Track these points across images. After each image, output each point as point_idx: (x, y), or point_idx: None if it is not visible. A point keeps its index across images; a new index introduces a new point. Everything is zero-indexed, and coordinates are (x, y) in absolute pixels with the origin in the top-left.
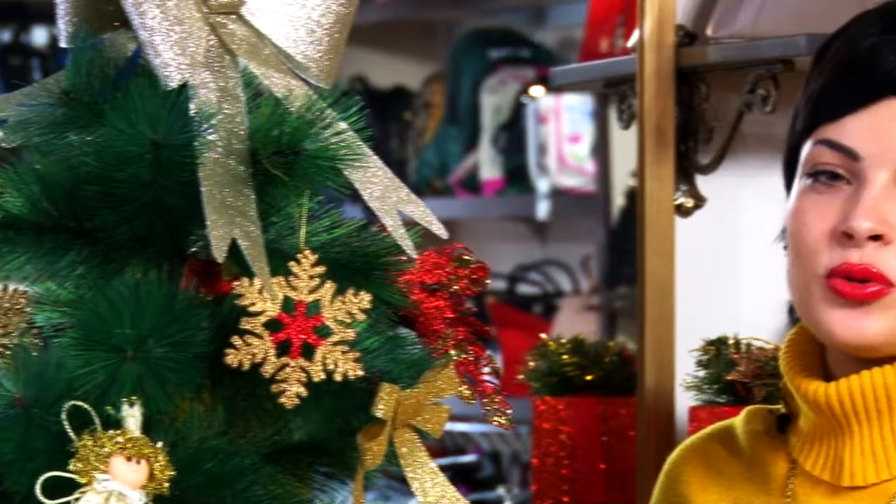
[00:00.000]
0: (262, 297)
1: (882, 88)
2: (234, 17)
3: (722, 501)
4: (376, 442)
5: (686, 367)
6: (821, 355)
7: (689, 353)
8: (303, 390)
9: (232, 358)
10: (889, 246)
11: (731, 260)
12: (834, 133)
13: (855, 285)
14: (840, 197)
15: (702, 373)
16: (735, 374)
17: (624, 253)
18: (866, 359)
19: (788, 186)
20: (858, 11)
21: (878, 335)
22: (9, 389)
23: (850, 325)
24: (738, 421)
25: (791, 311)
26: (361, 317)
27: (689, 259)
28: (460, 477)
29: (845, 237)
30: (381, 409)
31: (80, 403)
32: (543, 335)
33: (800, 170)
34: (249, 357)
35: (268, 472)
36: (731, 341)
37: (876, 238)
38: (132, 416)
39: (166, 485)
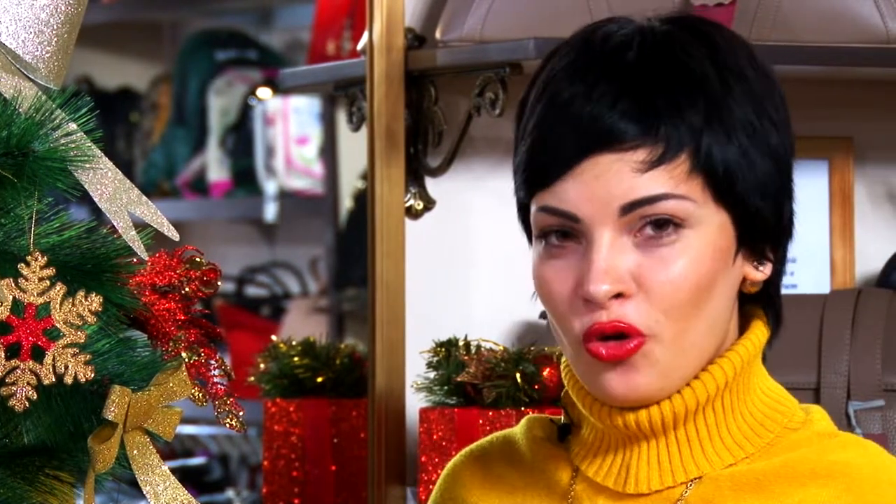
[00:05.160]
0: None
1: (583, 149)
2: None
3: None
4: (107, 445)
5: (416, 368)
6: None
7: (419, 354)
8: (33, 393)
9: None
10: (630, 299)
11: (461, 262)
12: (550, 199)
13: (612, 345)
14: (575, 258)
15: (432, 374)
16: (465, 375)
17: (352, 255)
18: None
19: (528, 237)
20: (585, 15)
21: (647, 386)
22: None
23: (619, 384)
24: (518, 429)
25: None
26: (92, 319)
27: (418, 261)
28: (189, 479)
29: (588, 300)
30: (112, 412)
31: None
32: (274, 337)
33: (533, 232)
34: None
35: None
36: (461, 343)
37: (617, 296)
38: None
39: None
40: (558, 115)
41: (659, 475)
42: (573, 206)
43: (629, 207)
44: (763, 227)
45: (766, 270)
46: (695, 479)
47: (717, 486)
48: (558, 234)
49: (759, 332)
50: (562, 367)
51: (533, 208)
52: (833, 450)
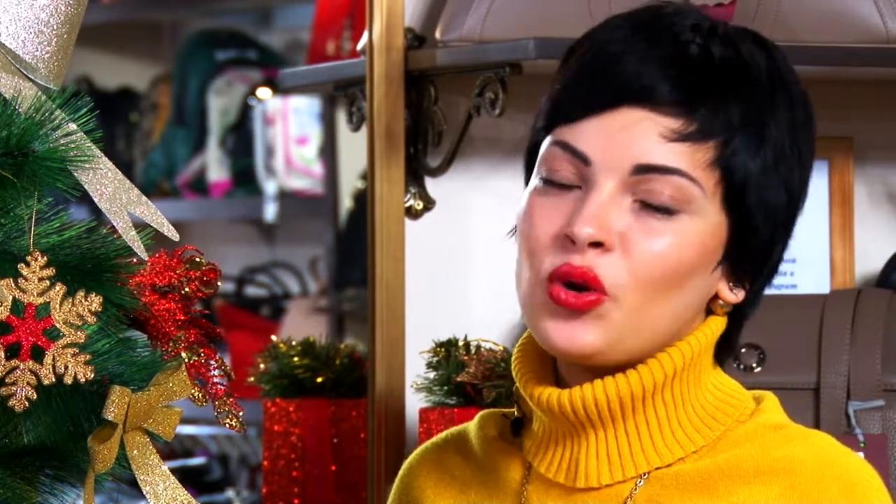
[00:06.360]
0: None
1: (618, 97)
2: None
3: None
4: (107, 445)
5: (416, 368)
6: (552, 361)
7: (419, 354)
8: (33, 393)
9: None
10: (609, 253)
11: (461, 262)
12: (569, 135)
13: (572, 294)
14: (569, 200)
15: (432, 374)
16: (465, 375)
17: (352, 255)
18: (593, 368)
19: (527, 181)
20: (585, 15)
21: (591, 345)
22: None
23: (564, 334)
24: (472, 425)
25: None
26: (92, 319)
27: (418, 261)
28: (189, 480)
29: (568, 241)
30: (112, 412)
31: None
32: (274, 337)
33: (536, 167)
34: None
35: None
36: (460, 343)
37: (597, 245)
38: None
39: None
40: (605, 62)
41: (609, 469)
42: (589, 147)
43: (642, 169)
44: (753, 249)
45: (739, 296)
46: (644, 474)
47: (663, 486)
48: (560, 184)
49: (711, 326)
50: (512, 359)
51: (546, 142)
52: (778, 445)
